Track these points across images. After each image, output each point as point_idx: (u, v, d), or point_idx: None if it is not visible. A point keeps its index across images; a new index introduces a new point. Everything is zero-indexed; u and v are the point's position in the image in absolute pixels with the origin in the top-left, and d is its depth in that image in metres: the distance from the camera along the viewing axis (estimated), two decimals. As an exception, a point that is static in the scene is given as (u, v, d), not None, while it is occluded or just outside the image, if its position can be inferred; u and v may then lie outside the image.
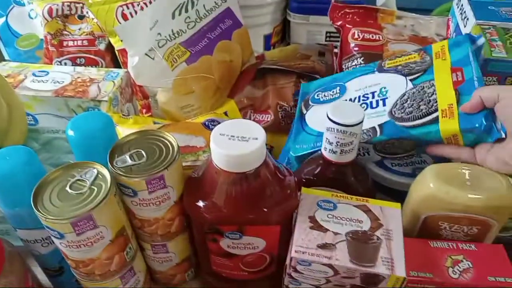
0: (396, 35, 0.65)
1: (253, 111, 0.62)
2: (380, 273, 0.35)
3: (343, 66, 0.65)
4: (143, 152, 0.38)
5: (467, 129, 0.42)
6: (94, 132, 0.40)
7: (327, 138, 0.41)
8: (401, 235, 0.38)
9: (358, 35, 0.65)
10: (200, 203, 0.39)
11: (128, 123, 0.55)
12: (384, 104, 0.48)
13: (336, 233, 0.38)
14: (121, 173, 0.36)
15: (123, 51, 0.63)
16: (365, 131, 0.47)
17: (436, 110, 0.44)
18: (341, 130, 0.39)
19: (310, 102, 0.55)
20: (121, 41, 0.57)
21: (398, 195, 0.46)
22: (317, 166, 0.45)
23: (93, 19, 0.72)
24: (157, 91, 0.62)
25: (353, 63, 0.63)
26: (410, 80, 0.49)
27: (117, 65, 0.70)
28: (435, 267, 0.38)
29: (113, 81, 0.59)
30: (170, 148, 0.39)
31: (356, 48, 0.64)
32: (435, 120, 0.44)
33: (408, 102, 0.47)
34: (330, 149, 0.41)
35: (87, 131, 0.40)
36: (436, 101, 0.45)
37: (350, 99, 0.52)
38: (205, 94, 0.62)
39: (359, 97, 0.51)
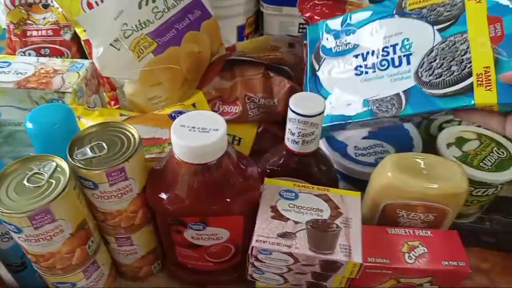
0: (362, 27, 0.66)
1: (221, 103, 0.62)
2: (338, 260, 0.36)
3: (311, 58, 0.65)
4: (104, 144, 0.38)
5: (506, 104, 0.37)
6: (54, 125, 0.39)
7: (289, 129, 0.42)
8: (359, 223, 0.39)
9: (325, 26, 0.65)
10: (163, 195, 0.39)
11: (93, 116, 0.54)
12: (408, 62, 0.42)
13: (296, 222, 0.39)
14: (80, 165, 0.36)
15: (89, 42, 0.62)
16: (388, 98, 0.43)
17: (470, 73, 0.38)
18: (302, 121, 0.40)
19: (321, 53, 0.49)
20: (85, 31, 0.55)
21: (362, 184, 0.47)
22: (280, 157, 0.45)
23: (58, 8, 0.70)
24: (124, 82, 0.62)
25: (321, 55, 0.64)
26: (438, 30, 0.41)
27: (83, 55, 0.69)
28: (392, 253, 0.39)
29: (77, 72, 0.58)
30: (132, 140, 0.39)
31: (324, 40, 0.64)
32: (470, 89, 0.38)
33: (437, 61, 0.40)
34: (292, 140, 0.42)
35: (46, 123, 0.39)
36: (470, 62, 0.38)
37: (367, 53, 0.45)
38: (172, 85, 0.61)
39: (378, 51, 0.45)
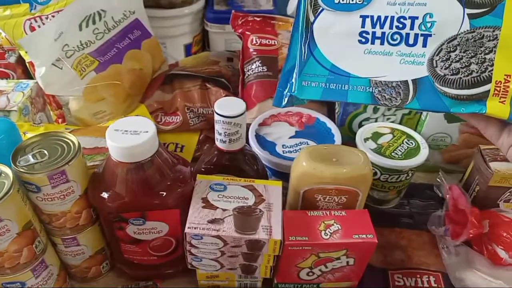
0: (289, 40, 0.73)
1: (163, 114, 0.67)
2: (260, 238, 0.42)
3: (245, 69, 0.72)
4: (45, 151, 0.42)
5: None
6: (-3, 136, 0.43)
7: (217, 130, 0.47)
8: (280, 207, 0.45)
9: (256, 41, 0.72)
10: (104, 195, 0.43)
11: (39, 130, 0.57)
12: (424, 44, 0.37)
13: (224, 210, 0.44)
14: (23, 170, 0.40)
15: (33, 63, 0.66)
16: (395, 84, 0.38)
17: (490, 79, 0.34)
18: (226, 122, 0.45)
19: (320, 1, 0.39)
20: (26, 52, 0.59)
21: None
22: (213, 156, 0.51)
23: (1, 33, 0.73)
24: (69, 99, 0.65)
25: (253, 66, 0.71)
26: (469, 16, 0.35)
27: (29, 77, 0.72)
28: (310, 232, 0.45)
29: (22, 92, 0.61)
30: (72, 146, 0.43)
31: (255, 53, 0.71)
32: (485, 96, 0.35)
33: (457, 52, 0.36)
34: (220, 139, 0.48)
35: (-10, 135, 0.43)
36: (493, 64, 0.34)
37: (378, 18, 0.37)
38: (116, 100, 0.66)
39: (392, 19, 0.37)
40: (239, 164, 0.50)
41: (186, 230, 0.42)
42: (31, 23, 0.64)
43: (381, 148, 0.59)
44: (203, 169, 0.51)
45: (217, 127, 0.47)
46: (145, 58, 0.71)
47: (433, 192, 0.65)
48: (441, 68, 0.36)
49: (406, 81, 0.38)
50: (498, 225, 0.55)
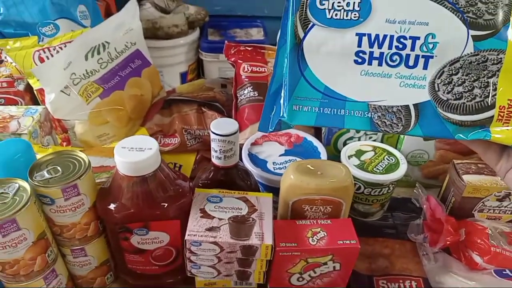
0: (278, 67, 0.80)
1: (162, 136, 0.72)
2: (253, 244, 0.46)
3: (238, 94, 0.78)
4: (59, 168, 0.47)
5: None
6: (15, 155, 0.48)
7: (213, 147, 0.52)
8: (271, 216, 0.50)
9: (247, 68, 0.78)
10: (111, 206, 0.48)
11: (47, 152, 0.62)
12: (425, 67, 0.35)
13: (220, 219, 0.48)
14: (39, 184, 0.44)
15: (41, 90, 0.71)
16: (395, 109, 0.36)
17: (494, 104, 0.34)
18: (221, 140, 0.51)
19: (309, 15, 0.36)
20: (38, 80, 0.65)
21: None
22: (209, 172, 0.56)
23: (11, 63, 0.79)
24: (75, 123, 0.70)
25: (245, 91, 0.76)
26: (473, 38, 0.34)
27: (36, 103, 0.77)
28: (299, 238, 0.50)
29: (32, 117, 0.66)
30: (82, 163, 0.47)
31: (246, 79, 0.77)
32: (488, 122, 0.34)
33: (459, 75, 0.34)
34: (216, 156, 0.52)
35: (9, 154, 0.48)
36: (496, 88, 0.33)
37: (376, 37, 0.35)
38: (118, 123, 0.71)
39: (392, 39, 0.35)
40: (233, 179, 0.55)
41: (186, 237, 0.46)
42: (40, 54, 0.70)
43: (364, 164, 0.65)
44: (200, 184, 0.55)
45: (213, 145, 0.52)
46: (145, 85, 0.76)
47: (414, 205, 0.70)
48: (444, 92, 0.35)
49: (407, 106, 0.36)
50: (473, 233, 0.60)
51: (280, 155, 0.65)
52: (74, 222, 0.48)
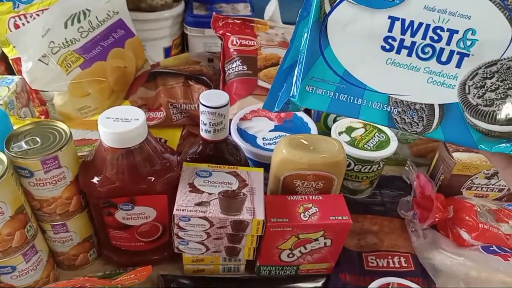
0: (268, 41, 0.78)
1: (147, 110, 0.70)
2: (244, 219, 0.45)
3: (226, 68, 0.75)
4: (37, 139, 0.44)
5: None
6: (-10, 125, 0.45)
7: (202, 120, 0.50)
8: (262, 191, 0.48)
9: (236, 41, 0.76)
10: (94, 180, 0.45)
11: (25, 123, 0.59)
12: (459, 65, 0.32)
13: (210, 194, 0.47)
14: (17, 156, 0.41)
15: (17, 60, 0.67)
16: (418, 107, 0.33)
17: None
18: (211, 112, 0.48)
19: None
20: (14, 47, 0.61)
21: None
22: (198, 146, 0.53)
23: (-16, 31, 0.74)
24: (53, 95, 0.67)
25: (233, 65, 0.74)
26: None
27: (11, 74, 0.73)
28: (290, 214, 0.48)
29: (7, 87, 0.62)
30: (63, 134, 0.45)
31: (235, 52, 0.75)
32: None
33: (494, 80, 0.31)
34: (205, 129, 0.50)
35: (-17, 124, 0.44)
36: None
37: (411, 23, 0.32)
38: (100, 96, 0.68)
39: (427, 28, 0.32)
40: (222, 153, 0.53)
41: (175, 212, 0.44)
42: (15, 21, 0.65)
43: (355, 141, 0.63)
44: (188, 159, 0.53)
45: (202, 117, 0.50)
46: (129, 57, 0.73)
47: (403, 183, 0.70)
48: (474, 96, 0.32)
49: (432, 105, 0.32)
50: (461, 210, 0.60)
51: (270, 131, 0.64)
52: (54, 196, 0.45)
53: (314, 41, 0.33)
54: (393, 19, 0.32)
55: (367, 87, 0.34)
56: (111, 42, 0.71)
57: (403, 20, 0.32)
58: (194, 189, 0.47)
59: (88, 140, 0.55)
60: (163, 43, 1.02)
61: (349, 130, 0.66)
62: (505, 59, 0.31)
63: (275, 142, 0.61)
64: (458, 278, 0.52)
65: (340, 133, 0.65)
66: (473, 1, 0.31)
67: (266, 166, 0.57)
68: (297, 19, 0.34)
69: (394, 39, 0.32)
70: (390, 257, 0.58)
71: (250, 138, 0.62)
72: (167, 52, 1.05)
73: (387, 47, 0.33)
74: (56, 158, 0.43)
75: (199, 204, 0.45)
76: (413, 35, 0.32)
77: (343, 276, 0.54)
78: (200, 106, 0.49)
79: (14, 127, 0.55)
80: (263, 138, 0.62)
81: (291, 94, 0.35)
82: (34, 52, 0.61)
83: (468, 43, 0.31)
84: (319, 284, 0.53)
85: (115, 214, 0.48)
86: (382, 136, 0.65)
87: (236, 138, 0.61)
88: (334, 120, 0.72)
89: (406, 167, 0.65)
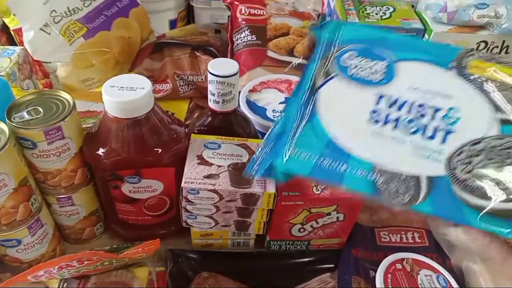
0: (278, 10, 0.74)
1: (153, 82, 0.67)
2: (255, 192, 0.43)
3: (234, 39, 0.72)
4: (40, 109, 0.42)
5: None
6: (-10, 94, 0.43)
7: (210, 90, 0.48)
8: (273, 163, 0.46)
9: (244, 10, 0.73)
10: (100, 151, 0.44)
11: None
12: (443, 140, 0.32)
13: (219, 166, 0.45)
14: (19, 126, 0.40)
15: (19, 31, 0.65)
16: (404, 177, 0.31)
17: None
18: (220, 81, 0.46)
19: (334, 67, 0.36)
20: (14, 15, 0.58)
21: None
22: (206, 117, 0.51)
23: (-16, 0, 0.71)
24: (57, 66, 0.65)
25: (242, 35, 0.71)
26: (501, 122, 0.32)
27: (13, 45, 0.71)
28: (302, 187, 0.47)
29: (9, 58, 0.60)
30: (66, 104, 0.43)
31: (243, 22, 0.72)
32: (508, 212, 0.29)
33: (480, 157, 0.31)
34: (214, 100, 0.48)
35: (-17, 93, 0.43)
36: None
37: (395, 100, 0.34)
38: (105, 67, 0.65)
39: (412, 105, 0.34)
40: (231, 125, 0.51)
41: (183, 184, 0.43)
42: (15, -11, 0.63)
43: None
44: (196, 131, 0.51)
45: (211, 87, 0.47)
46: (133, 27, 0.70)
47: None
48: (461, 171, 0.31)
49: (418, 176, 0.31)
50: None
51: (280, 103, 0.61)
52: (59, 168, 0.44)
53: (303, 109, 0.35)
54: (380, 96, 0.34)
55: (351, 154, 0.33)
56: (115, 12, 0.68)
57: (390, 97, 0.34)
58: (202, 161, 0.45)
59: (92, 112, 0.54)
60: (169, 15, 0.99)
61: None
62: (489, 137, 0.32)
63: (285, 114, 0.59)
64: (474, 254, 0.50)
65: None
66: (454, 83, 0.34)
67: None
68: (294, 88, 0.37)
69: (380, 113, 0.34)
70: (403, 233, 0.56)
71: (259, 110, 0.60)
72: (173, 24, 1.02)
73: (373, 119, 0.34)
74: (60, 128, 0.41)
75: (208, 176, 0.44)
76: (398, 109, 0.34)
77: (355, 251, 0.53)
78: (209, 75, 0.47)
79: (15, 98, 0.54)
80: (273, 111, 0.60)
81: (274, 158, 0.34)
82: (35, 21, 0.59)
83: (452, 120, 0.33)
84: (330, 259, 0.52)
85: (122, 187, 0.46)
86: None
87: (245, 110, 0.59)
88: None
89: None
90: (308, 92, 0.35)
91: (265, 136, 0.36)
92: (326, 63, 0.36)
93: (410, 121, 0.33)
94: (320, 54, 0.37)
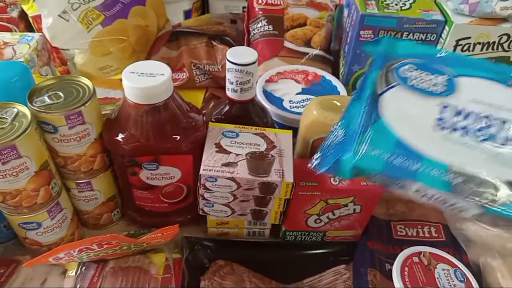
0: (295, 1, 0.74)
1: (169, 71, 0.67)
2: (273, 181, 0.43)
3: (250, 29, 0.72)
4: (60, 93, 0.42)
5: None
6: (11, 78, 0.43)
7: (228, 79, 0.48)
8: (291, 153, 0.46)
9: (261, 0, 0.72)
10: (119, 137, 0.44)
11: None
12: None
13: (237, 154, 0.45)
14: (40, 110, 0.40)
15: (37, 18, 0.65)
16: (480, 181, 0.32)
17: None
18: (239, 70, 0.46)
19: (394, 77, 0.37)
20: (33, 2, 0.59)
21: (297, 131, 0.54)
22: (224, 106, 0.51)
23: (2, -14, 0.72)
24: (75, 53, 0.65)
25: (258, 25, 0.71)
26: None
27: (31, 32, 0.71)
28: (320, 178, 0.46)
29: (28, 44, 0.61)
30: (87, 89, 0.43)
31: (260, 12, 0.71)
32: None
33: None
34: (232, 89, 0.48)
35: (5, 77, 0.43)
36: None
37: (461, 111, 0.35)
38: (122, 55, 0.66)
39: (478, 115, 0.35)
40: (249, 114, 0.51)
41: (201, 172, 0.43)
42: (34, -25, 0.63)
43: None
44: (213, 120, 0.51)
45: (229, 75, 0.47)
46: (150, 15, 0.70)
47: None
48: None
49: (494, 184, 0.32)
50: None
51: (297, 94, 0.61)
52: (79, 153, 0.44)
53: (369, 112, 0.36)
54: (444, 105, 0.36)
55: (423, 156, 0.34)
56: (132, 0, 0.68)
57: (455, 107, 0.36)
58: (220, 149, 0.45)
59: (110, 99, 0.54)
60: (183, 5, 0.98)
61: (380, 94, 0.62)
62: None
63: (302, 105, 0.59)
64: (493, 250, 0.50)
65: (370, 98, 0.62)
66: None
67: (293, 130, 0.54)
68: (352, 96, 0.39)
69: (446, 121, 0.35)
70: (419, 227, 0.56)
71: (276, 101, 0.59)
72: (187, 15, 1.01)
73: (440, 126, 0.35)
74: (80, 113, 0.41)
75: (226, 164, 0.44)
76: (465, 119, 0.35)
77: (370, 244, 0.53)
78: (227, 63, 0.46)
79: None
80: (290, 101, 0.60)
81: (343, 154, 0.34)
82: (54, 7, 0.59)
83: None
84: (346, 251, 0.52)
85: (140, 173, 0.47)
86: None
87: (262, 100, 0.59)
88: (364, 84, 0.68)
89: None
90: (371, 97, 0.37)
91: (328, 133, 0.38)
92: (385, 72, 0.38)
93: (479, 129, 0.34)
94: (378, 65, 0.39)
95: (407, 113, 0.35)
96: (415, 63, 0.38)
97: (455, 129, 0.34)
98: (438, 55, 0.39)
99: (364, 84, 0.38)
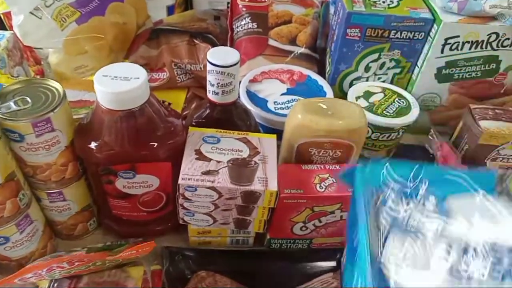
0: (280, -3, 0.71)
1: (149, 70, 0.65)
2: (256, 189, 0.41)
3: (234, 26, 0.69)
4: (28, 99, 0.39)
5: None
6: (-26, 82, 0.40)
7: (209, 81, 0.45)
8: (275, 159, 0.44)
9: (245, -4, 0.69)
10: (92, 145, 0.41)
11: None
12: None
13: (218, 161, 0.43)
14: (5, 117, 0.37)
15: (9, 14, 0.61)
16: None
17: None
18: (220, 71, 0.44)
19: (382, 220, 0.32)
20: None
21: (282, 134, 0.52)
22: (205, 109, 0.49)
23: (-29, -19, 0.68)
24: (49, 53, 0.62)
25: (242, 23, 0.68)
26: None
27: (3, 29, 0.68)
28: (305, 185, 0.44)
29: (-2, 43, 0.57)
30: (56, 93, 0.40)
31: (244, 9, 0.69)
32: None
33: None
34: (213, 91, 0.46)
35: (-34, 81, 0.40)
36: None
37: (466, 249, 0.30)
38: (98, 54, 0.63)
39: (485, 247, 0.30)
40: (231, 118, 0.49)
41: (180, 181, 0.41)
42: (4, -31, 0.59)
43: (373, 107, 0.59)
44: (194, 123, 0.49)
45: (210, 77, 0.45)
46: (129, 12, 0.67)
47: (422, 153, 0.65)
48: None
49: None
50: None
51: (282, 94, 0.59)
52: (48, 162, 0.41)
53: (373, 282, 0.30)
54: (448, 244, 0.31)
55: None
56: (110, -5, 0.65)
57: (458, 245, 0.30)
58: (201, 156, 0.43)
59: (85, 102, 0.51)
60: (166, 1, 0.95)
61: (367, 95, 0.61)
62: None
63: (287, 106, 0.57)
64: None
65: (357, 98, 0.60)
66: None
67: (277, 133, 0.52)
68: (345, 261, 0.35)
69: (459, 269, 0.30)
70: (408, 231, 0.54)
71: (260, 102, 0.57)
72: (170, 10, 0.98)
73: (456, 278, 0.30)
74: (49, 120, 0.39)
75: (207, 173, 0.41)
76: (474, 258, 0.30)
77: (358, 250, 0.51)
78: (208, 64, 0.44)
79: (3, 86, 0.51)
80: (274, 102, 0.57)
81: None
82: (25, 4, 0.56)
83: None
84: (333, 258, 0.50)
85: (115, 182, 0.44)
86: (402, 102, 0.60)
87: (245, 101, 0.56)
88: (351, 84, 0.67)
89: (429, 136, 0.61)
90: (370, 265, 0.30)
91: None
92: (375, 217, 0.32)
93: (493, 267, 0.29)
94: (365, 207, 0.33)
95: (413, 271, 0.30)
96: (397, 190, 0.34)
97: (470, 278, 0.29)
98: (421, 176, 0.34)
99: (358, 245, 0.33)
